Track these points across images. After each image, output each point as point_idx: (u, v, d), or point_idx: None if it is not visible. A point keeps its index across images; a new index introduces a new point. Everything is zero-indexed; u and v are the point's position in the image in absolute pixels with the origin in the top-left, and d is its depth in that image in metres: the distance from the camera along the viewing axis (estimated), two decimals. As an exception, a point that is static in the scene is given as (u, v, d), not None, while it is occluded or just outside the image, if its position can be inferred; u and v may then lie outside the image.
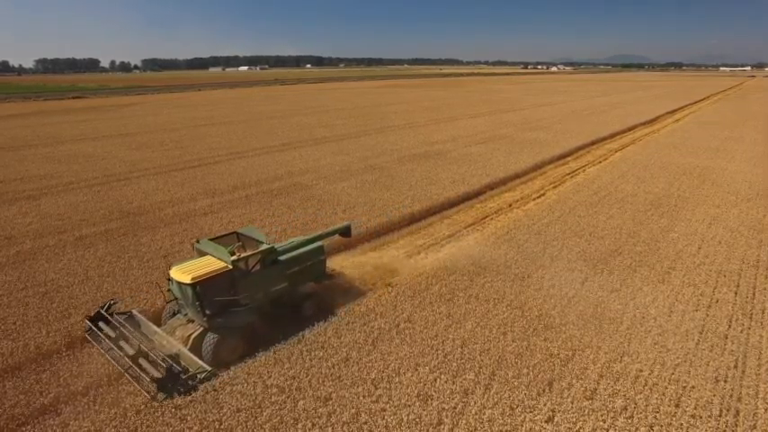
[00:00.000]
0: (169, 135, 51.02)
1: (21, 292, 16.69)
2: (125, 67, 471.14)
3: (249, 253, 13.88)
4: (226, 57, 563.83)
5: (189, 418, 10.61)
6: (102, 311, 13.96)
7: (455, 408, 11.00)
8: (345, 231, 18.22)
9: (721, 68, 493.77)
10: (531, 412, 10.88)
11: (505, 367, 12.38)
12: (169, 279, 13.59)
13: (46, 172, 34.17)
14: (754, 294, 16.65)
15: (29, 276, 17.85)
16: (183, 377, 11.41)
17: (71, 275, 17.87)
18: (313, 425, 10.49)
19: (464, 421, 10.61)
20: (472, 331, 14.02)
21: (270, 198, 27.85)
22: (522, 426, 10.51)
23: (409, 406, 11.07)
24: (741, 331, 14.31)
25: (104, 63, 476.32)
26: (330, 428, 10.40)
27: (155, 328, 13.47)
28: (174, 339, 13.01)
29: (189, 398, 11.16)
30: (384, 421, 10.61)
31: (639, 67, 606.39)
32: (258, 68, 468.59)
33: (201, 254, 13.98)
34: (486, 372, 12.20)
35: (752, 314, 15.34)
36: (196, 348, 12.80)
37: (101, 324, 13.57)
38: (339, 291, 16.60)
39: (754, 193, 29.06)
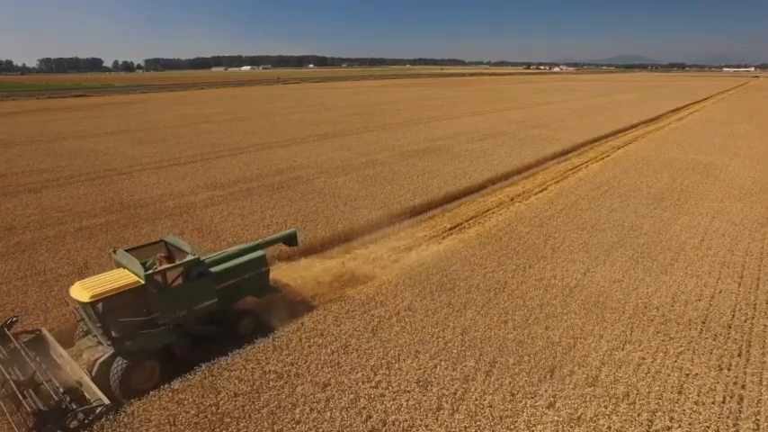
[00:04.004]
0: (171, 131, 51.04)
1: (20, 280, 16.66)
2: (128, 67, 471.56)
3: (167, 266, 12.27)
4: (228, 57, 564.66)
5: (186, 402, 10.53)
6: (5, 329, 12.35)
7: (455, 393, 10.90)
8: (291, 239, 16.50)
9: (724, 69, 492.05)
10: (532, 398, 10.77)
11: (506, 354, 12.27)
12: None
13: (47, 166, 34.17)
14: (758, 285, 16.48)
15: (28, 266, 17.82)
16: (74, 411, 9.71)
17: (70, 265, 17.83)
18: (311, 409, 10.40)
19: (464, 407, 10.51)
20: (473, 319, 13.91)
21: (271, 191, 27.79)
22: (523, 411, 10.40)
23: (409, 392, 10.97)
24: (745, 321, 14.16)
25: (107, 63, 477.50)
26: (329, 413, 10.31)
27: (61, 350, 11.78)
28: (79, 364, 11.34)
29: (187, 382, 11.10)
30: (383, 406, 10.51)
31: (642, 67, 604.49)
32: (261, 68, 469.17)
33: (119, 266, 12.46)
34: (486, 359, 12.09)
35: (756, 304, 15.18)
36: (103, 375, 11.16)
37: None
38: (284, 305, 14.92)
39: (757, 188, 28.86)
